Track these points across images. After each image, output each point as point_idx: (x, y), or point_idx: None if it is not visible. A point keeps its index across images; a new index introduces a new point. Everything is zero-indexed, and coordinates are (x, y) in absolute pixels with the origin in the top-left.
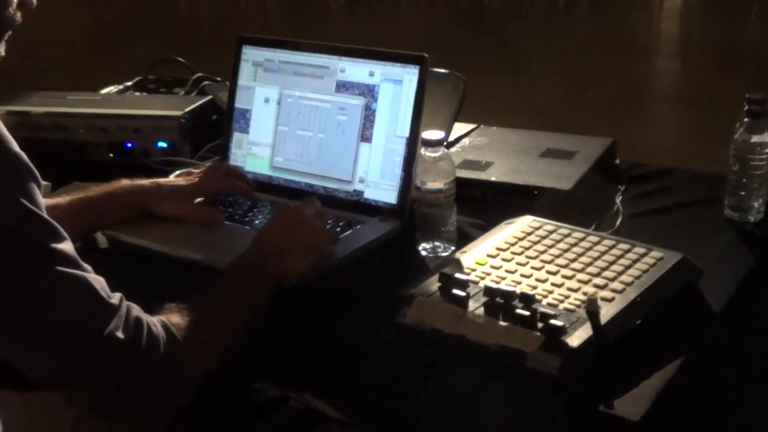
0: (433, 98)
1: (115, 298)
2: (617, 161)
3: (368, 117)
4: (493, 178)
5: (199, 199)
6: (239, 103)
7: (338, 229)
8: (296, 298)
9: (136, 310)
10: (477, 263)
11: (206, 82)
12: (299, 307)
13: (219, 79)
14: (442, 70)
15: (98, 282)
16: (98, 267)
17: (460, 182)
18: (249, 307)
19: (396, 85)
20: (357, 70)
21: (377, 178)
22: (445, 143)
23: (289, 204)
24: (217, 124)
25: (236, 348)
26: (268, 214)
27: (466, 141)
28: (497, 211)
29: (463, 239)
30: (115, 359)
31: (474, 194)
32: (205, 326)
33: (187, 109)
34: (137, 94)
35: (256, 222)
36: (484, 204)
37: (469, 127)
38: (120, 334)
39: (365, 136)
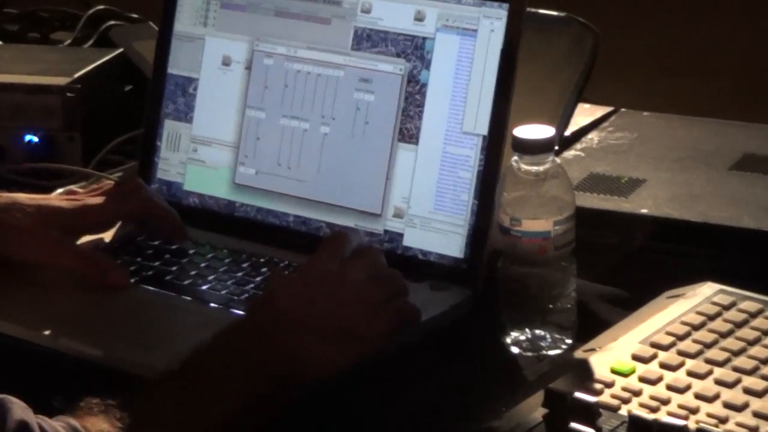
0: (536, 63)
1: None
2: None
3: (413, 96)
4: (644, 211)
5: (91, 238)
6: (175, 67)
7: None
8: (295, 415)
9: (19, 409)
10: (615, 371)
11: (113, 23)
12: None
13: (136, 16)
14: (554, 12)
15: None
16: None
17: (583, 218)
18: (228, 422)
19: (465, 39)
20: (394, 9)
21: (428, 209)
22: (556, 146)
23: (327, 254)
24: (133, 102)
25: None
26: (226, 271)
27: (593, 138)
28: (652, 272)
29: (589, 325)
30: None
31: (608, 240)
32: None
33: (79, 74)
34: None
35: (203, 287)
36: (627, 259)
37: (599, 111)
38: None
39: (407, 132)
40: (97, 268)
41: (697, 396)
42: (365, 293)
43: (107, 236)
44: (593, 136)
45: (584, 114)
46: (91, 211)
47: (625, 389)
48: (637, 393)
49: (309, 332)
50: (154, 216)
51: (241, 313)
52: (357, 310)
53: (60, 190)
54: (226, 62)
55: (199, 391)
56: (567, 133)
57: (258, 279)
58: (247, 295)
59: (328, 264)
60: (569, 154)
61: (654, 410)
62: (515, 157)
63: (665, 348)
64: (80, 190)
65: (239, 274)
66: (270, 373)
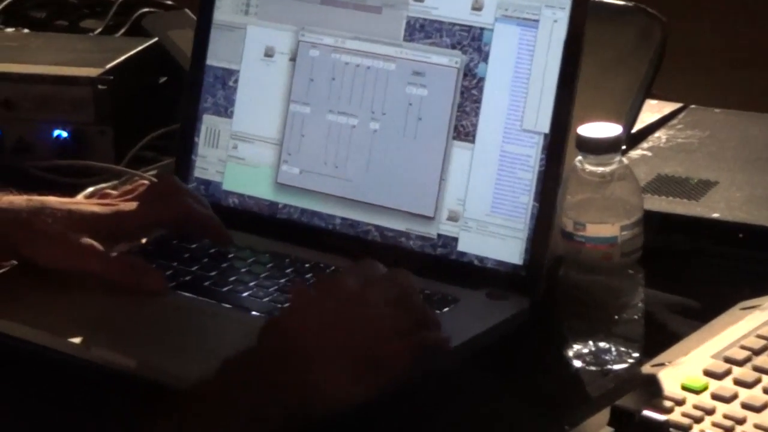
0: (601, 56)
1: None
2: None
3: (470, 91)
4: (715, 215)
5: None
6: (215, 58)
7: None
8: None
9: None
10: (686, 388)
11: (147, 10)
12: None
13: (171, 2)
14: (620, 2)
15: None
16: None
17: (650, 222)
18: None
19: (525, 30)
20: None
21: (485, 212)
22: (623, 146)
23: (344, 272)
24: (168, 95)
25: None
26: (268, 277)
27: (661, 137)
28: (725, 280)
29: (657, 338)
30: None
31: (678, 246)
32: None
33: (111, 65)
34: (10, 30)
35: (244, 294)
36: (697, 266)
37: (668, 108)
38: None
39: (463, 129)
40: (132, 273)
41: None
42: (387, 317)
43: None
44: (661, 135)
45: (651, 110)
46: (126, 217)
47: (697, 407)
48: (710, 411)
49: (323, 358)
50: (195, 222)
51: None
52: (377, 335)
53: (90, 189)
54: (269, 53)
55: (204, 423)
56: (633, 130)
57: None
58: None
59: (349, 283)
60: (635, 153)
61: (728, 430)
62: (579, 157)
63: (740, 363)
64: (113, 191)
65: (282, 280)
66: (281, 404)
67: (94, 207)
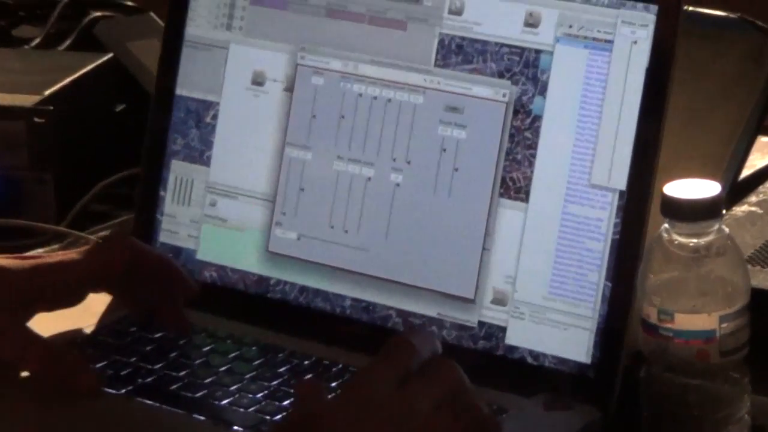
0: (696, 86)
1: None
2: None
3: (522, 134)
4: None
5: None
6: (187, 86)
7: None
8: None
9: None
10: None
11: (99, 15)
12: None
13: (131, 3)
14: (721, 13)
15: None
16: None
17: (759, 305)
18: None
19: (596, 54)
20: (496, 10)
21: (542, 294)
22: (723, 209)
23: (381, 369)
24: (126, 129)
25: None
26: (255, 378)
27: None
28: None
29: None
30: None
31: None
32: None
33: (51, 90)
34: None
35: (223, 402)
36: None
37: None
38: None
39: (512, 183)
40: (54, 366)
41: None
42: (436, 428)
43: (87, 326)
44: None
45: (762, 152)
46: (49, 272)
47: None
48: None
49: None
50: (147, 267)
51: None
52: None
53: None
54: (259, 81)
55: None
56: (738, 179)
57: None
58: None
59: (382, 384)
60: (740, 210)
61: None
62: (665, 225)
63: None
64: (46, 255)
65: (274, 382)
66: None
67: (4, 261)
